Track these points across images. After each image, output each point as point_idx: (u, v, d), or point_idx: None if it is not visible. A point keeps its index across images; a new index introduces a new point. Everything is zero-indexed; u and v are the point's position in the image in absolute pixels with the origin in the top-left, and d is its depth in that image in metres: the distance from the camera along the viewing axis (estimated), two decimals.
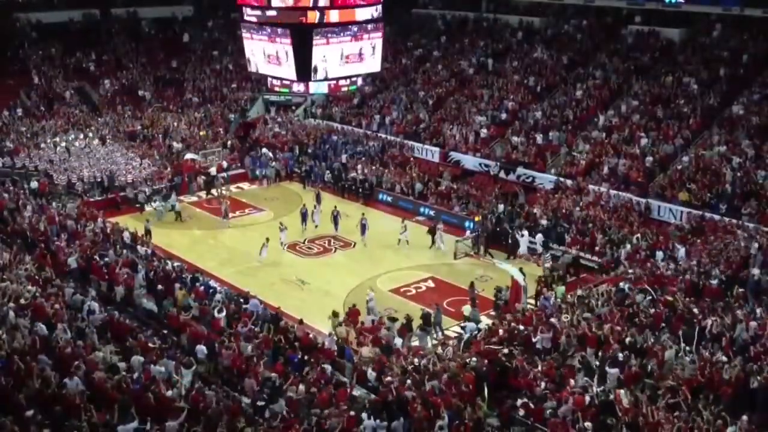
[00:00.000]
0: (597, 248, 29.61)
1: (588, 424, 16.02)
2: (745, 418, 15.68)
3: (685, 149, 34.56)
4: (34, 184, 35.20)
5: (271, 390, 17.95)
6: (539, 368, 18.97)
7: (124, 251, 27.57)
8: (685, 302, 22.17)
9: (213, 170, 40.72)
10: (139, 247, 28.79)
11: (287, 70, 27.17)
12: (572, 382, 18.25)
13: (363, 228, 32.49)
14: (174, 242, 32.42)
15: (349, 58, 27.47)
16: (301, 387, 18.11)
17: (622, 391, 17.47)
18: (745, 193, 30.68)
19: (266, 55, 28.05)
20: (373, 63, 28.70)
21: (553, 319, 21.87)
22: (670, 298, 22.58)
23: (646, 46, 42.16)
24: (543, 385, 18.10)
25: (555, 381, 18.43)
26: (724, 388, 17.34)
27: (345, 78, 28.24)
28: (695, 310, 21.50)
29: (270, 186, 40.92)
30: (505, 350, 19.95)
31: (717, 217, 29.96)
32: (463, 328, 23.81)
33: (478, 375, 18.63)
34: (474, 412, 16.90)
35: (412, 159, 40.71)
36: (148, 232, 31.62)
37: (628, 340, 20.05)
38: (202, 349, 20.15)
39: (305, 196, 37.83)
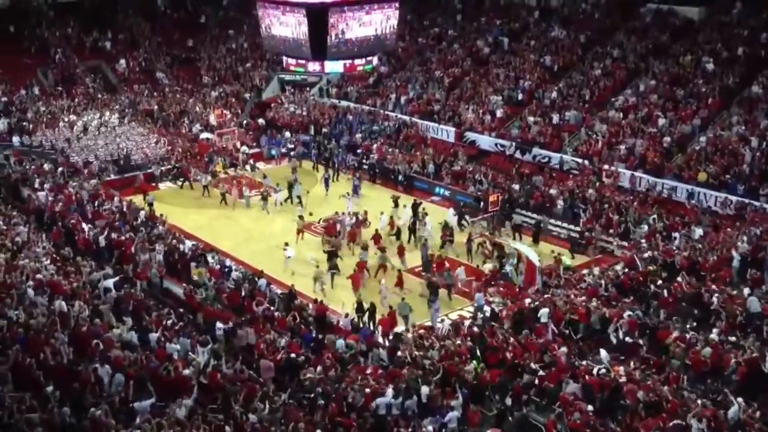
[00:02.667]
0: (611, 230, 29.59)
1: (590, 407, 16.23)
2: (740, 399, 15.82)
3: (703, 129, 34.24)
4: (47, 166, 35.32)
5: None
6: (512, 341, 19.57)
7: (142, 229, 27.86)
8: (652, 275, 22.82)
9: (245, 148, 41.37)
10: (159, 226, 29.08)
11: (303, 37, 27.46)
12: (560, 349, 18.94)
13: (355, 189, 34.86)
14: (190, 221, 32.57)
15: (365, 23, 27.78)
16: (319, 368, 18.27)
17: (621, 368, 17.89)
18: (764, 174, 30.40)
19: (280, 23, 28.30)
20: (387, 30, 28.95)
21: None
22: (652, 268, 23.22)
23: (665, 24, 41.60)
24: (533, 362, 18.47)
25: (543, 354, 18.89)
26: (741, 369, 17.38)
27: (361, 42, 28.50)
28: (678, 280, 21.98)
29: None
30: (475, 327, 20.82)
31: (756, 203, 29.42)
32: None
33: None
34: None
35: (429, 139, 40.68)
36: (150, 205, 32.38)
37: (628, 314, 20.49)
38: (220, 326, 20.24)
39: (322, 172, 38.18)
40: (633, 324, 20.26)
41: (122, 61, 49.25)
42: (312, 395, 16.98)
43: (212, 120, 43.66)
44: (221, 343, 19.71)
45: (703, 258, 23.92)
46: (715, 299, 20.67)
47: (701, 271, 23.23)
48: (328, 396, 16.75)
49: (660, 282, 22.45)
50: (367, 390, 17.00)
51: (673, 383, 17.41)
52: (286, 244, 28.54)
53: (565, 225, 31.64)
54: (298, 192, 34.32)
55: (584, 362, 18.73)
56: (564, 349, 19.11)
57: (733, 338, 18.76)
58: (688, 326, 19.89)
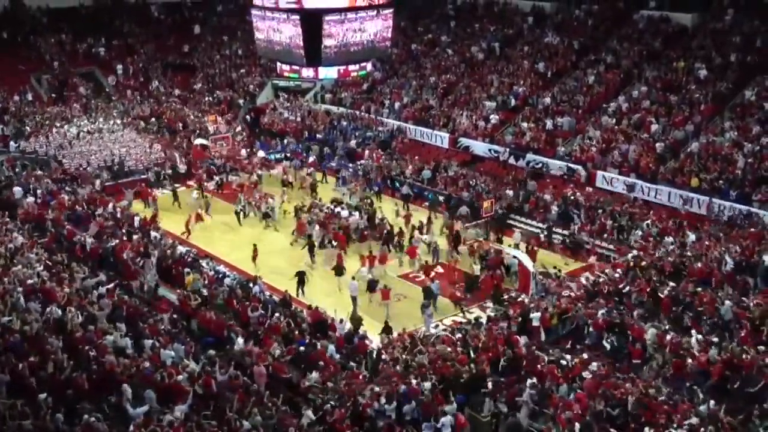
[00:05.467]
0: (605, 234, 29.71)
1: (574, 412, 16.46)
2: (712, 402, 16.36)
3: (696, 135, 34.34)
4: (39, 172, 35.24)
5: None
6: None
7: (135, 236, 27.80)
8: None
9: (261, 152, 41.33)
10: (151, 231, 28.98)
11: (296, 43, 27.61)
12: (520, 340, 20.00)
13: (343, 180, 37.13)
14: (183, 227, 32.45)
15: (359, 29, 28.01)
16: (315, 374, 18.26)
17: (595, 364, 18.56)
18: (757, 180, 30.51)
19: (274, 30, 28.41)
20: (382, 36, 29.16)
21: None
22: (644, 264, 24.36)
23: (658, 31, 41.79)
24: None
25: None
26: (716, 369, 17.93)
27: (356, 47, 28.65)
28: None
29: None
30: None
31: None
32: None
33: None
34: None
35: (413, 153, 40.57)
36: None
37: (600, 313, 21.28)
38: (239, 340, 20.05)
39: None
40: (605, 323, 21.00)
41: (120, 67, 49.26)
42: (323, 401, 16.94)
43: (210, 127, 43.50)
44: (238, 354, 19.60)
45: (690, 263, 24.26)
46: (665, 292, 22.05)
47: (686, 275, 23.65)
48: (341, 400, 16.80)
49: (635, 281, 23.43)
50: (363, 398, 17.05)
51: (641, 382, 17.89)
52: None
53: (532, 222, 32.47)
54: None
55: (542, 354, 19.53)
56: (524, 339, 20.12)
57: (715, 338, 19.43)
58: (666, 327, 20.60)
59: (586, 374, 18.04)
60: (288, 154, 41.46)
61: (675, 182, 32.05)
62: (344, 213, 32.17)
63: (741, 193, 30.10)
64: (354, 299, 25.29)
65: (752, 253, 24.19)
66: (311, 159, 40.79)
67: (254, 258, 28.53)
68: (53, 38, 49.70)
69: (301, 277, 26.35)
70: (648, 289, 22.53)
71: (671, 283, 22.86)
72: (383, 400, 16.84)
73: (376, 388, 17.28)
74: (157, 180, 37.63)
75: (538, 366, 18.64)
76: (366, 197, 34.79)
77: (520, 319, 22.03)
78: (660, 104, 36.64)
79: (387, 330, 23.18)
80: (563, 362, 18.94)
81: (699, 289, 22.19)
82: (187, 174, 38.47)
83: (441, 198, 34.88)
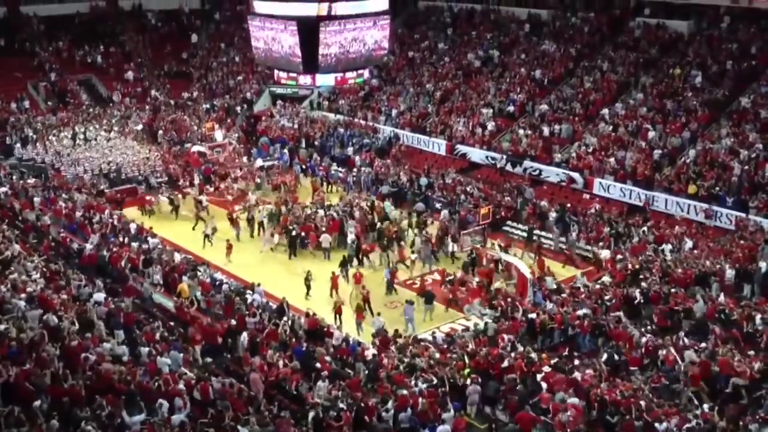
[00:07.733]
0: (601, 243, 29.70)
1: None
2: (706, 405, 16.64)
3: (692, 142, 34.41)
4: (30, 181, 35.24)
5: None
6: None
7: (133, 243, 27.75)
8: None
9: (260, 161, 41.09)
10: (150, 239, 28.92)
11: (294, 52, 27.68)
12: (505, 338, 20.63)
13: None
14: (180, 234, 32.42)
15: (356, 37, 28.10)
16: (321, 384, 18.26)
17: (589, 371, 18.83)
18: (753, 187, 30.56)
19: (273, 39, 28.51)
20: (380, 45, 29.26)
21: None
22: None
23: (654, 38, 41.91)
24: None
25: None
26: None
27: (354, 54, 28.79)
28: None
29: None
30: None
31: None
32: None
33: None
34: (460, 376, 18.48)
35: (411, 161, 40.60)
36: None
37: (583, 313, 21.80)
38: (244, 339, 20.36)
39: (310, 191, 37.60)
40: (589, 326, 21.34)
41: (130, 74, 49.28)
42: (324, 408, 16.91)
43: (218, 135, 43.36)
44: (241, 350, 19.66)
45: (674, 269, 24.66)
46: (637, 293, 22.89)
47: (671, 281, 24.00)
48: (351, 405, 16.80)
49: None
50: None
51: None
52: None
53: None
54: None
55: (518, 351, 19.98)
56: (510, 336, 20.75)
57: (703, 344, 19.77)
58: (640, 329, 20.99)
59: (546, 368, 18.63)
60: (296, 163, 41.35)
61: (672, 189, 32.09)
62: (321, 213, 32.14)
63: (737, 200, 30.15)
64: (325, 250, 29.43)
65: (749, 260, 24.28)
66: (340, 173, 40.03)
67: (228, 253, 29.96)
68: (50, 46, 49.73)
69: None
70: (622, 294, 23.12)
71: (643, 284, 23.43)
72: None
73: (404, 392, 17.27)
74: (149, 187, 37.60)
75: (506, 362, 18.97)
76: (366, 200, 34.76)
77: (525, 321, 22.40)
78: (656, 111, 36.72)
79: (344, 263, 25.95)
80: (532, 355, 19.36)
81: (673, 290, 22.71)
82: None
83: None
